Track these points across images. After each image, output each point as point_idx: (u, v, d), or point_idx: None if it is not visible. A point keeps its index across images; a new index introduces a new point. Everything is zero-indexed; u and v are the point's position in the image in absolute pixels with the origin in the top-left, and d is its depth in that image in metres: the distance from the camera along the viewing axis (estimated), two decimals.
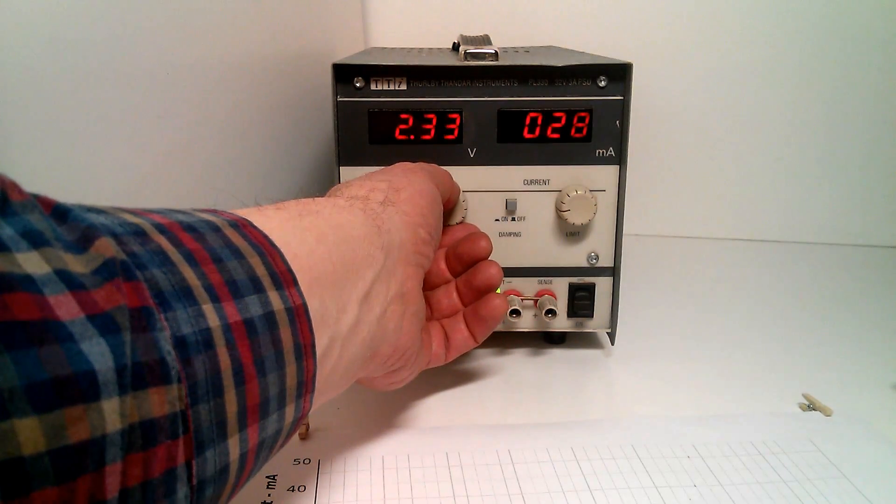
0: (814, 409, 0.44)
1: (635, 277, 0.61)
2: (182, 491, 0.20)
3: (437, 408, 0.44)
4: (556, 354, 0.51)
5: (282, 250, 0.26)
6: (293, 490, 0.36)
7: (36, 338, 0.16)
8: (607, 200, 0.47)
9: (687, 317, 0.58)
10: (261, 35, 0.54)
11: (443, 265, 0.44)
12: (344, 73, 0.45)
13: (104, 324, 0.18)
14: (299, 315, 0.25)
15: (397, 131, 0.46)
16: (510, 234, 0.48)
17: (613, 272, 0.49)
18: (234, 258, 0.24)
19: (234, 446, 0.22)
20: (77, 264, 0.18)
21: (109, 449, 0.17)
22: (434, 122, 0.46)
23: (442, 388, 0.46)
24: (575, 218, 0.46)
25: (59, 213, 0.19)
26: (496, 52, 0.46)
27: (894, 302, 0.62)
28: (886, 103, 0.73)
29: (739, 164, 0.76)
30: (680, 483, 0.36)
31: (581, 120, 0.46)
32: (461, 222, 0.47)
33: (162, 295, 0.20)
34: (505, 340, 0.52)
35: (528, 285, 0.49)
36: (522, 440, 0.40)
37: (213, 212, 0.26)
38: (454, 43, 0.58)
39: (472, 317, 0.42)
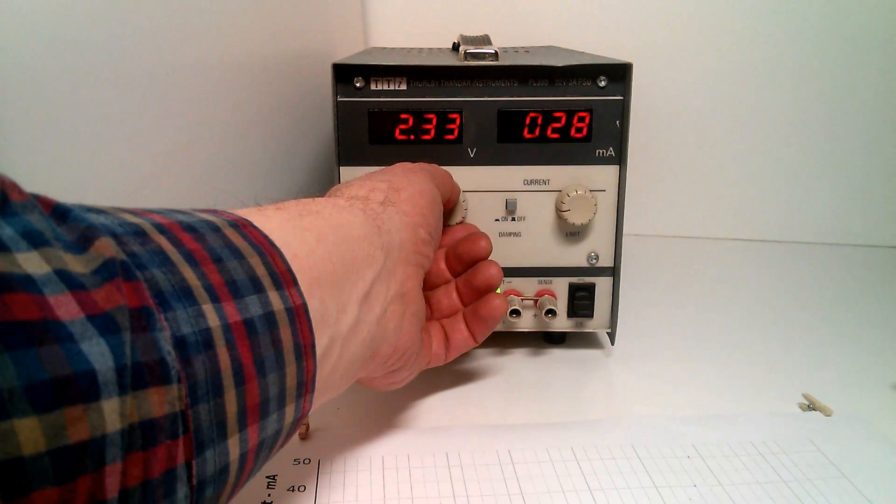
0: (814, 409, 0.43)
1: (635, 277, 0.61)
2: (182, 491, 0.20)
3: (437, 408, 0.44)
4: (556, 354, 0.51)
5: (282, 250, 0.26)
6: (293, 490, 0.36)
7: (36, 338, 0.16)
8: (607, 200, 0.47)
9: (687, 317, 0.58)
10: (261, 35, 0.54)
11: (443, 265, 0.44)
12: (344, 73, 0.45)
13: (104, 324, 0.18)
14: (299, 315, 0.25)
15: (397, 131, 0.46)
16: (510, 234, 0.48)
17: (613, 272, 0.49)
18: (234, 258, 0.24)
19: (233, 446, 0.22)
20: (77, 264, 0.18)
21: (109, 449, 0.17)
22: (434, 122, 0.46)
23: (442, 388, 0.46)
24: (575, 218, 0.46)
25: (59, 213, 0.19)
26: (496, 52, 0.46)
27: (894, 302, 0.62)
28: (886, 103, 0.73)
29: (739, 164, 0.76)
30: (680, 483, 0.36)
31: (581, 120, 0.46)
32: (461, 222, 0.47)
33: (162, 295, 0.20)
34: (505, 340, 0.52)
35: (528, 285, 0.49)
36: (522, 440, 0.40)
37: (213, 212, 0.26)
38: (454, 43, 0.58)
39: (472, 317, 0.42)
